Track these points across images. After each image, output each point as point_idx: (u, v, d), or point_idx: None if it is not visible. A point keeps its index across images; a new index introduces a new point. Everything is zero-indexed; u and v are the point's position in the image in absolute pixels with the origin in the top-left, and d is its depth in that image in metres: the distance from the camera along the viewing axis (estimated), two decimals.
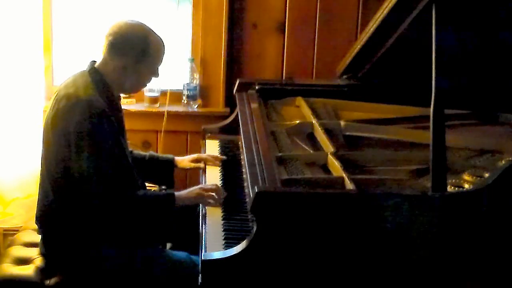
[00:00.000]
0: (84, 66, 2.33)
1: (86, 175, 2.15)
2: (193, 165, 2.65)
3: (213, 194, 2.25)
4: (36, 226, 2.42)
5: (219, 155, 2.67)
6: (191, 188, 2.33)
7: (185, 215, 2.54)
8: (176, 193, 2.29)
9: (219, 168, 2.59)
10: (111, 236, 2.26)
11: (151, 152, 2.71)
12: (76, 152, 2.15)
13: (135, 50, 2.27)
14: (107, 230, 2.25)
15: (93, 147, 2.15)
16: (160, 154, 2.75)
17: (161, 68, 2.39)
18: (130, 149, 2.61)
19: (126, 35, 2.27)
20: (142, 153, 2.68)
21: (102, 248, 2.26)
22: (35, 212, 2.37)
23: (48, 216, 2.31)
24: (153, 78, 2.39)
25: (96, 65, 2.31)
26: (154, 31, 2.33)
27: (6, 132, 3.10)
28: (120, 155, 2.27)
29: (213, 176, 2.51)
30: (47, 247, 2.34)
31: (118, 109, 2.37)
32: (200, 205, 2.29)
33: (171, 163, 2.66)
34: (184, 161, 2.66)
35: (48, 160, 2.27)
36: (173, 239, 2.63)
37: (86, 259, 2.26)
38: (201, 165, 2.63)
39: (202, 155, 2.67)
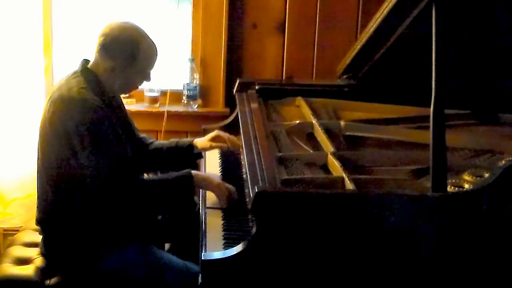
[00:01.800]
0: (77, 66, 2.33)
1: (88, 172, 2.15)
2: (214, 144, 2.56)
3: (228, 193, 2.24)
4: (36, 226, 2.42)
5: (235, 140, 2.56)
6: (213, 175, 2.34)
7: (184, 215, 2.54)
8: (194, 172, 2.27)
9: (219, 168, 2.59)
10: (111, 237, 2.26)
11: (172, 140, 2.62)
12: (78, 150, 2.15)
13: (124, 54, 2.26)
14: (108, 231, 2.25)
15: (94, 144, 2.15)
16: (180, 140, 2.62)
17: (153, 73, 2.37)
18: (152, 139, 2.63)
19: (116, 37, 2.26)
20: (163, 142, 2.62)
21: (102, 249, 2.26)
22: (35, 214, 2.37)
23: (49, 217, 2.31)
24: (145, 82, 2.38)
25: (89, 64, 2.32)
26: (147, 35, 2.31)
27: (6, 132, 3.10)
28: (121, 150, 2.25)
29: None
30: (48, 247, 2.34)
31: (114, 106, 2.35)
32: (200, 205, 2.29)
33: (191, 149, 2.55)
34: (204, 142, 2.56)
35: (47, 162, 2.27)
36: (172, 239, 2.63)
37: (86, 260, 2.26)
38: (223, 145, 2.56)
39: (221, 133, 2.58)
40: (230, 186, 2.27)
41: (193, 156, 2.57)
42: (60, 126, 2.19)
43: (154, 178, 2.34)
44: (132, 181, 2.22)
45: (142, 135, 2.62)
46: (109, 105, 2.29)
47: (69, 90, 2.22)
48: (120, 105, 2.45)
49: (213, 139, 2.56)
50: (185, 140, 2.62)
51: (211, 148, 2.57)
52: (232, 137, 2.58)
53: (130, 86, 2.39)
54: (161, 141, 2.63)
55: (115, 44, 2.26)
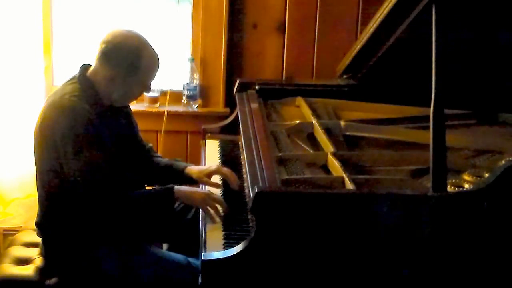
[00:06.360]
0: (77, 70, 2.31)
1: (75, 180, 2.15)
2: (210, 182, 2.37)
3: (218, 205, 2.17)
4: (36, 227, 2.42)
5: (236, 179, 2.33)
6: (197, 189, 2.28)
7: (182, 215, 2.54)
8: (177, 187, 2.23)
9: None
10: (109, 237, 2.26)
11: (169, 160, 2.56)
12: (64, 158, 2.16)
13: (125, 63, 2.23)
14: (105, 232, 2.25)
15: (77, 153, 2.14)
16: (179, 163, 2.51)
17: (153, 83, 2.36)
18: (155, 153, 2.59)
19: (118, 46, 2.23)
20: (161, 160, 2.55)
21: (101, 250, 2.26)
22: (36, 215, 2.37)
23: (46, 221, 2.32)
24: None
25: (89, 71, 2.29)
26: (150, 45, 2.28)
27: (6, 132, 3.10)
28: (104, 161, 2.19)
29: (213, 177, 2.50)
30: (48, 249, 2.34)
31: (109, 116, 2.30)
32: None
33: (183, 174, 2.44)
34: (200, 174, 2.39)
35: (40, 168, 2.28)
36: (170, 239, 2.63)
37: (85, 261, 2.26)
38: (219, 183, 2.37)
39: (223, 170, 2.36)
40: (218, 198, 2.20)
41: (185, 181, 2.42)
42: (48, 133, 2.19)
43: (136, 192, 2.29)
44: (111, 193, 2.18)
45: (149, 145, 2.60)
46: (102, 115, 2.25)
47: (62, 97, 2.21)
48: (121, 115, 2.40)
49: (211, 176, 2.38)
50: (181, 164, 2.50)
51: (205, 182, 2.38)
52: (233, 174, 2.35)
53: (129, 96, 2.35)
54: (160, 158, 2.57)
55: (116, 53, 2.23)
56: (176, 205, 2.52)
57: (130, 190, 2.29)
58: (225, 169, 2.37)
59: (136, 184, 2.39)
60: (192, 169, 2.44)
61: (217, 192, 2.34)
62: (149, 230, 2.42)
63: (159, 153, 2.67)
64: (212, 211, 2.16)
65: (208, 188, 2.34)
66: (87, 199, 2.17)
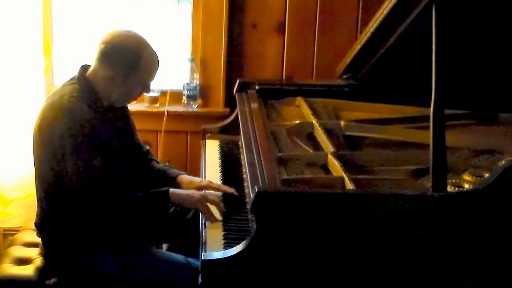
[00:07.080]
0: (76, 70, 2.31)
1: (72, 180, 2.15)
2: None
3: (213, 205, 2.17)
4: (35, 227, 2.42)
5: (230, 189, 2.31)
6: (193, 191, 2.28)
7: (182, 215, 2.53)
8: (172, 190, 2.23)
9: (219, 168, 2.59)
10: (109, 237, 2.26)
11: (163, 166, 2.56)
12: (62, 159, 2.15)
13: (125, 63, 2.22)
14: (103, 232, 2.25)
15: (75, 154, 2.13)
16: (172, 170, 2.50)
17: (153, 83, 2.35)
18: (152, 157, 2.57)
19: (118, 46, 2.22)
20: (156, 165, 2.54)
21: (100, 250, 2.26)
22: (35, 216, 2.37)
23: (45, 221, 2.32)
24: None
25: (88, 71, 2.29)
26: (149, 45, 2.27)
27: (6, 132, 3.10)
28: (102, 162, 2.19)
29: (213, 177, 2.51)
30: (48, 249, 2.34)
31: (108, 117, 2.30)
32: None
33: (173, 181, 2.42)
34: (190, 184, 2.37)
35: (38, 168, 2.27)
36: (170, 239, 2.63)
37: (85, 261, 2.25)
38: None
39: (213, 184, 2.35)
40: (214, 200, 2.19)
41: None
42: (47, 133, 2.19)
43: (132, 193, 2.26)
44: (108, 194, 2.18)
45: (146, 148, 2.59)
46: (101, 116, 2.25)
47: (61, 98, 2.20)
48: (119, 116, 2.39)
49: (199, 189, 2.33)
50: (174, 171, 2.48)
51: None
52: (224, 186, 2.34)
53: (129, 96, 2.34)
54: (156, 163, 2.55)
55: (115, 53, 2.22)
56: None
57: (126, 191, 2.28)
58: (216, 184, 2.35)
59: (133, 185, 2.38)
60: (184, 179, 2.42)
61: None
62: (149, 230, 2.42)
63: (159, 153, 2.65)
64: (207, 211, 2.16)
65: (208, 177, 2.37)
66: (84, 200, 2.16)
